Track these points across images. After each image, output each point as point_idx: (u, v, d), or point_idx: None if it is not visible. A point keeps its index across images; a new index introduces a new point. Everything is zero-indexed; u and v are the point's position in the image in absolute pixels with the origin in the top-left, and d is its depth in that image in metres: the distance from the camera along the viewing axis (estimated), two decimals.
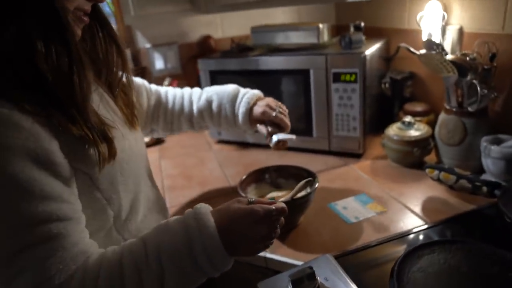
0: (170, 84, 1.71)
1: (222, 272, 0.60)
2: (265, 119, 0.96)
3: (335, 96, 1.25)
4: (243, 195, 0.91)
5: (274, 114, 0.95)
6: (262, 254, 0.86)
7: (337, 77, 1.23)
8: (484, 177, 1.02)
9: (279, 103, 1.00)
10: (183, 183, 1.27)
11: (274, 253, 0.86)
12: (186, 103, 1.02)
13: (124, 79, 0.79)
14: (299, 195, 0.87)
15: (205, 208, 0.61)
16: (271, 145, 0.94)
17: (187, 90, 1.06)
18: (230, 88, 1.02)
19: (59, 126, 0.55)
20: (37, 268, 0.52)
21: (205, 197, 1.17)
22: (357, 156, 1.30)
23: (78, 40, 0.61)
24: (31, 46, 0.53)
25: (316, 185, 0.91)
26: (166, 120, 1.03)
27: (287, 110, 1.00)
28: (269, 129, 0.95)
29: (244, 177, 1.00)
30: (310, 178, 0.90)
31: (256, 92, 1.01)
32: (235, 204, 0.62)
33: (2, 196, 0.50)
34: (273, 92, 1.36)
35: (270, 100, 0.99)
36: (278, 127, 0.96)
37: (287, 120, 0.96)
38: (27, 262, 0.51)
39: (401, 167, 1.20)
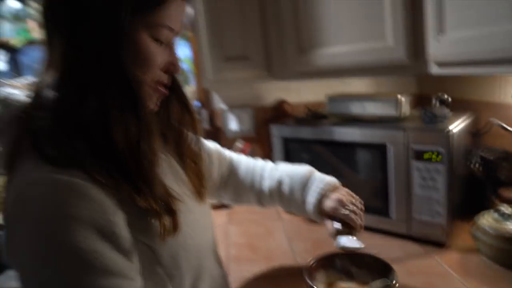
0: (242, 147, 1.71)
1: None
2: (335, 216, 0.88)
3: (416, 176, 1.13)
4: (310, 283, 0.82)
5: (345, 212, 0.86)
6: None
7: (419, 155, 1.11)
8: None
9: (354, 198, 0.92)
10: (248, 255, 1.21)
11: None
12: (257, 179, 0.99)
13: (195, 148, 0.78)
14: None
15: None
16: (335, 246, 0.85)
17: (260, 163, 1.03)
18: (303, 171, 0.97)
19: (127, 197, 0.54)
20: None
21: (270, 275, 1.09)
22: (440, 245, 1.13)
23: (154, 108, 0.63)
24: (108, 116, 0.54)
25: (396, 286, 0.78)
26: (235, 192, 1.01)
27: (362, 206, 0.91)
28: (337, 226, 0.86)
29: (312, 262, 0.90)
30: (388, 283, 0.78)
31: (330, 181, 0.95)
32: None
33: (63, 266, 0.49)
34: (347, 164, 1.29)
35: (344, 193, 0.92)
36: (348, 226, 0.87)
37: (359, 221, 0.87)
38: None
39: (500, 269, 0.99)
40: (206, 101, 1.84)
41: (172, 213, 0.60)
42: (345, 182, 1.29)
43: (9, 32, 1.90)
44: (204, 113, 1.82)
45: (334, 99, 1.42)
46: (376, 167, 1.21)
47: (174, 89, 0.71)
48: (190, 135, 0.76)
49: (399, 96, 1.27)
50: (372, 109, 1.32)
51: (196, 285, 0.69)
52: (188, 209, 0.67)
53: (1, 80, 0.63)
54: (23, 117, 0.55)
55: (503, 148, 1.28)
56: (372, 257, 0.88)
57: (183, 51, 1.83)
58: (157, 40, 0.59)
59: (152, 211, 0.57)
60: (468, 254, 1.08)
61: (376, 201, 1.23)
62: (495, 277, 0.97)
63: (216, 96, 1.83)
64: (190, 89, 1.85)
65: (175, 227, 0.60)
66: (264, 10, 1.40)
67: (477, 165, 1.24)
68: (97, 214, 0.51)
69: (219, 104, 1.83)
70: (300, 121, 1.46)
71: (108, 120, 0.54)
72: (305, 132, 1.38)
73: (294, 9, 1.30)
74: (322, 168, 1.36)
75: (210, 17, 1.41)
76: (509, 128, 1.13)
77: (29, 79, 0.63)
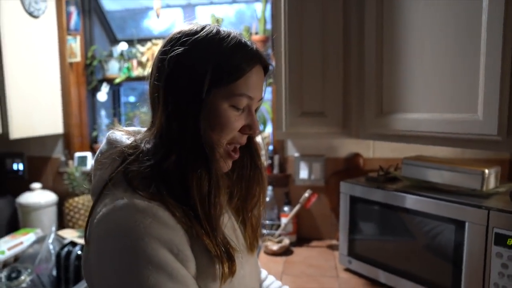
0: (309, 197, 1.70)
1: None
2: None
3: (495, 262, 1.02)
4: None
5: None
6: None
7: (501, 240, 1.01)
8: None
9: None
10: None
11: None
12: None
13: (257, 204, 0.82)
14: None
15: None
16: None
17: None
18: None
19: (197, 235, 0.63)
20: None
21: None
22: None
23: (226, 170, 0.72)
24: (185, 170, 0.64)
25: None
26: None
27: None
28: None
29: None
30: None
31: None
32: None
33: (139, 272, 0.57)
34: (416, 235, 1.22)
35: None
36: None
37: None
38: None
39: None
40: (279, 146, 1.88)
41: (231, 259, 0.67)
42: (412, 253, 1.23)
43: (115, 70, 2.18)
44: (276, 159, 1.86)
45: (410, 162, 1.36)
46: (449, 244, 1.12)
47: (249, 148, 0.78)
48: (257, 191, 0.81)
49: (486, 170, 1.17)
50: (452, 179, 1.23)
51: None
52: (239, 261, 0.71)
53: (116, 127, 0.77)
54: (124, 158, 0.67)
55: None
56: None
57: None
58: (235, 107, 0.67)
59: (215, 255, 0.64)
60: None
61: (446, 279, 1.13)
62: None
63: (290, 143, 1.86)
64: (265, 134, 1.91)
65: (232, 272, 0.67)
66: (347, 70, 1.42)
67: None
68: (172, 238, 0.60)
69: (292, 151, 1.86)
70: (371, 181, 1.42)
71: (185, 173, 0.64)
72: (375, 194, 1.34)
73: (378, 73, 1.30)
74: (389, 234, 1.32)
75: (292, 71, 1.46)
76: None
77: (135, 128, 0.77)
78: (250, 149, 0.78)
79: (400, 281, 1.27)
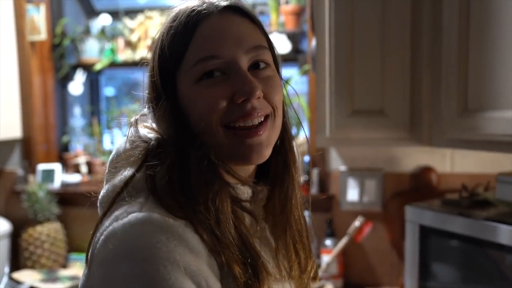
0: (361, 226, 1.70)
1: None
2: None
3: None
4: None
5: None
6: None
7: None
8: None
9: None
10: None
11: None
12: None
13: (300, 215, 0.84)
14: None
15: None
16: None
17: None
18: None
19: (226, 260, 0.65)
20: None
21: None
22: None
23: None
24: (190, 172, 0.68)
25: None
26: None
27: None
28: None
29: None
30: None
31: None
32: None
33: None
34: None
35: None
36: None
37: None
38: None
39: None
40: (320, 157, 1.89)
41: (259, 279, 0.68)
42: None
43: (95, 52, 2.21)
44: (315, 174, 1.87)
45: (508, 179, 1.35)
46: None
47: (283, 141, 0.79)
48: (298, 200, 0.82)
49: None
50: None
51: None
52: None
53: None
54: (145, 159, 0.70)
55: None
56: None
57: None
58: (200, 80, 0.69)
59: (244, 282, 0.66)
60: None
61: None
62: None
63: (334, 153, 1.86)
64: (300, 140, 1.92)
65: None
66: (417, 52, 1.43)
67: None
68: (200, 268, 0.62)
69: (337, 163, 1.86)
70: (451, 205, 1.41)
71: (191, 177, 0.68)
72: (456, 224, 1.33)
73: (462, 59, 1.31)
74: (477, 274, 1.31)
75: (340, 56, 1.48)
76: None
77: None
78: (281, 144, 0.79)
79: None
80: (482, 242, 1.27)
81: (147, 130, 0.76)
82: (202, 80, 0.68)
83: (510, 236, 1.21)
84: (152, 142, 0.72)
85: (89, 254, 0.67)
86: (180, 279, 0.59)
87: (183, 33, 0.70)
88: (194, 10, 0.71)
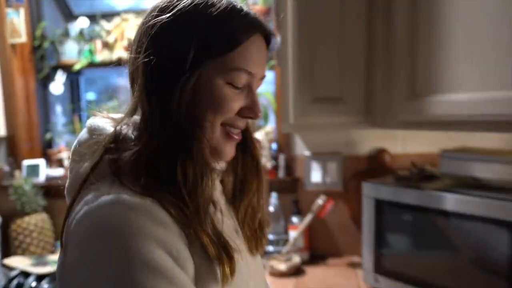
0: (324, 204, 1.75)
1: None
2: None
3: None
4: None
5: None
6: None
7: None
8: None
9: None
10: None
11: None
12: None
13: (257, 200, 0.87)
14: None
15: None
16: None
17: None
18: None
19: (195, 234, 0.68)
20: None
21: None
22: None
23: (229, 157, 0.77)
24: (171, 156, 0.68)
25: None
26: None
27: None
28: None
29: None
30: None
31: None
32: None
33: (131, 273, 0.60)
34: (460, 246, 1.27)
35: None
36: None
37: None
38: None
39: None
40: (285, 144, 1.92)
41: (231, 258, 0.71)
42: (455, 267, 1.28)
43: (74, 54, 2.19)
44: (282, 159, 1.90)
45: (451, 155, 1.41)
46: (503, 254, 1.17)
47: (244, 136, 0.82)
48: (254, 185, 0.86)
49: None
50: (503, 173, 1.29)
51: None
52: (244, 265, 0.77)
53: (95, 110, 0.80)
54: (107, 146, 0.70)
55: None
56: None
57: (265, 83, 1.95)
58: (233, 84, 0.71)
59: (214, 255, 0.69)
60: None
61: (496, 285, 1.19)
62: None
63: (298, 140, 1.90)
64: (267, 130, 1.95)
65: (232, 272, 0.71)
66: (371, 43, 1.48)
67: None
68: (170, 239, 0.64)
69: (301, 149, 1.90)
70: (402, 180, 1.47)
71: (172, 160, 0.68)
72: (407, 196, 1.39)
73: (412, 48, 1.36)
74: (426, 242, 1.36)
75: (302, 49, 1.51)
76: None
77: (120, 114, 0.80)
78: (245, 136, 0.82)
79: None
80: (430, 210, 1.33)
81: (106, 120, 0.77)
82: (230, 84, 0.71)
83: (454, 204, 1.27)
84: (114, 131, 0.73)
85: (63, 239, 0.68)
86: (151, 249, 0.61)
87: (242, 28, 0.71)
88: (249, 13, 0.73)
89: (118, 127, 0.73)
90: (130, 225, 0.61)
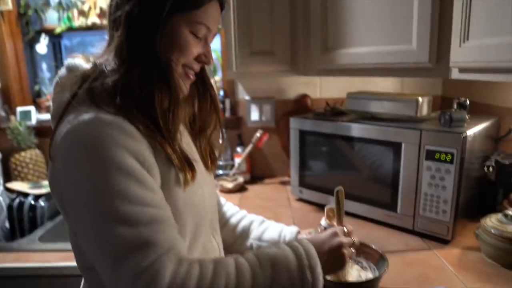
0: (261, 136, 1.80)
1: None
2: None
3: (426, 174, 1.19)
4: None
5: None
6: None
7: (430, 155, 1.17)
8: None
9: None
10: None
11: None
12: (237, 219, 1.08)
13: (213, 132, 0.91)
14: (366, 277, 0.83)
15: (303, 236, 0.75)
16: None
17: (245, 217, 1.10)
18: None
19: (160, 146, 0.70)
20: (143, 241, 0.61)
21: None
22: (444, 241, 1.19)
23: (185, 93, 0.78)
24: (147, 85, 0.70)
25: (385, 270, 0.86)
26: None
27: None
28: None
29: None
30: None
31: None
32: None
33: (107, 175, 0.62)
34: (361, 159, 1.36)
35: None
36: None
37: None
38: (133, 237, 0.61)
39: (497, 266, 1.06)
40: (230, 91, 1.94)
41: (192, 167, 0.76)
42: (358, 176, 1.38)
43: (55, 20, 2.09)
44: (228, 103, 1.92)
45: (353, 96, 1.49)
46: (389, 163, 1.28)
47: (202, 79, 0.86)
48: (213, 122, 0.90)
49: (419, 98, 1.32)
50: (391, 108, 1.37)
51: (189, 251, 0.78)
52: (197, 182, 0.79)
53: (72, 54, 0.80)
54: (84, 78, 0.71)
55: None
56: (368, 247, 0.96)
57: (213, 43, 1.93)
58: (194, 34, 0.74)
59: (177, 163, 0.72)
60: (469, 252, 1.14)
61: (386, 195, 1.30)
62: (490, 274, 1.03)
63: (240, 87, 1.92)
64: (216, 79, 1.95)
65: (193, 178, 0.75)
66: (294, 8, 1.48)
67: (491, 169, 1.29)
68: (138, 148, 0.66)
69: (243, 94, 1.92)
70: (319, 116, 1.53)
71: (148, 88, 0.70)
72: (323, 127, 1.46)
73: (323, 9, 1.38)
74: (337, 161, 1.45)
75: (241, 12, 1.50)
76: None
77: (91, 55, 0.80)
78: (203, 82, 0.87)
79: (347, 203, 1.40)
80: (340, 137, 1.41)
81: (83, 60, 0.78)
82: (193, 33, 0.74)
83: (357, 131, 1.35)
84: (93, 64, 0.74)
85: (51, 153, 0.69)
86: (123, 156, 0.63)
87: None
88: None
89: (96, 61, 0.74)
90: (105, 137, 0.63)
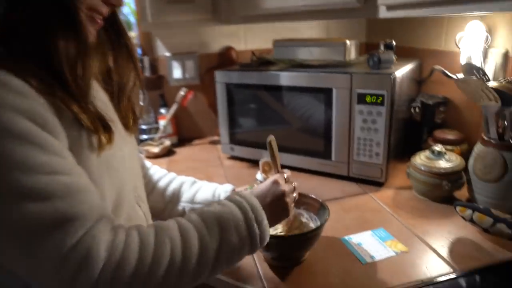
0: (186, 94, 1.67)
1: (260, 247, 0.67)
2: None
3: (358, 119, 1.16)
4: None
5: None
6: None
7: (361, 98, 1.14)
8: None
9: None
10: None
11: None
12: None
13: (132, 87, 0.77)
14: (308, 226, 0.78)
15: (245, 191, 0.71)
16: None
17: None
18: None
19: (64, 105, 0.56)
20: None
21: None
22: (378, 184, 1.20)
23: (92, 39, 0.63)
24: (45, 28, 0.55)
25: (327, 217, 0.82)
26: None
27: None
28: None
29: None
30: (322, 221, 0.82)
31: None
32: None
33: (4, 148, 0.48)
34: (292, 109, 1.30)
35: None
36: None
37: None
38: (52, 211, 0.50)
39: (427, 201, 1.09)
40: (148, 48, 1.75)
41: (108, 128, 0.62)
42: (290, 127, 1.32)
43: None
44: (146, 61, 1.74)
45: (280, 44, 1.41)
46: (320, 111, 1.23)
47: (115, 26, 0.72)
48: (132, 76, 0.76)
49: (347, 41, 1.28)
50: (319, 54, 1.32)
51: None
52: (116, 144, 0.66)
53: None
54: None
55: (442, 95, 1.35)
56: (307, 197, 0.91)
57: None
58: None
59: (88, 125, 0.59)
60: (402, 191, 1.17)
61: (320, 144, 1.26)
62: (422, 209, 1.06)
63: (159, 43, 1.74)
64: (132, 35, 1.74)
65: (109, 140, 0.63)
66: None
67: (417, 109, 1.30)
68: (32, 107, 0.51)
69: (162, 51, 1.75)
70: (245, 67, 1.44)
71: (46, 31, 0.55)
72: (250, 78, 1.36)
73: None
74: (267, 114, 1.38)
75: None
76: (451, 75, 1.18)
77: None
78: (116, 29, 0.73)
79: (281, 155, 1.36)
80: (269, 87, 1.32)
81: None
82: None
83: (286, 79, 1.28)
84: None
85: None
86: (13, 118, 0.49)
87: None
88: None
89: None
90: None
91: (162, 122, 1.70)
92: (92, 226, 0.51)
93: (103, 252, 0.50)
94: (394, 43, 1.26)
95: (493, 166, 0.98)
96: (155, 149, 1.61)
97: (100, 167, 0.62)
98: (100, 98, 0.69)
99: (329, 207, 0.86)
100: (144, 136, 1.73)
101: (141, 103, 1.70)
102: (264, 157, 0.97)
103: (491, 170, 0.99)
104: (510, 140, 0.96)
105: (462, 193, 1.10)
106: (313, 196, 0.90)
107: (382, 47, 1.28)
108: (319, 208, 0.88)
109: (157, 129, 1.72)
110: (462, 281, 0.77)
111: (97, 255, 0.49)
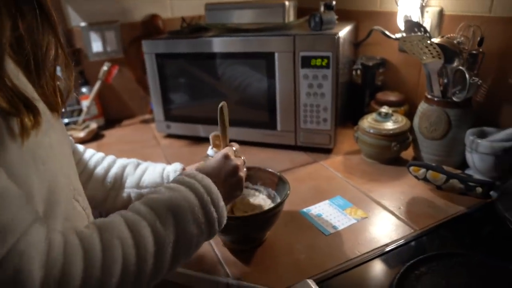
0: (109, 69, 1.49)
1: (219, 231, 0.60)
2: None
3: (303, 84, 1.10)
4: None
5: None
6: (224, 281, 0.69)
7: (306, 62, 1.07)
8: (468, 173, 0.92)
9: None
10: None
11: (239, 279, 0.69)
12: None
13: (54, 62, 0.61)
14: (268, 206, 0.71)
15: (192, 170, 0.62)
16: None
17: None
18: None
19: None
20: None
21: None
22: (327, 151, 1.16)
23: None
24: None
25: (288, 192, 0.75)
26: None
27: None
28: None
29: None
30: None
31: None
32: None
33: None
34: (231, 80, 1.20)
35: None
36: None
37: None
38: None
39: (376, 164, 1.08)
40: (60, 16, 1.51)
41: (33, 108, 0.49)
42: (231, 98, 1.22)
43: None
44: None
45: (212, 8, 1.29)
46: (262, 79, 1.15)
47: None
48: (52, 45, 0.59)
49: (285, 2, 1.20)
50: (256, 17, 1.23)
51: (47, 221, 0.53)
52: (43, 129, 0.52)
53: None
54: None
55: (381, 56, 1.34)
56: (265, 171, 0.84)
57: None
58: None
59: (5, 106, 0.45)
60: (351, 156, 1.14)
61: (263, 115, 1.18)
62: (373, 172, 1.05)
63: (71, 11, 1.51)
64: None
65: (35, 125, 0.49)
66: None
67: (358, 72, 1.28)
68: None
69: (76, 21, 1.53)
70: (176, 34, 1.30)
71: None
72: (182, 46, 1.23)
73: None
74: (203, 87, 1.27)
75: None
76: (391, 34, 1.16)
77: None
78: None
79: None
80: (204, 55, 1.20)
81: None
82: None
83: (222, 45, 1.17)
84: None
85: None
86: None
87: None
88: None
89: None
90: None
91: (85, 103, 1.50)
92: (17, 241, 0.39)
93: (37, 271, 0.39)
94: (334, 2, 1.21)
95: (438, 124, 0.98)
96: (80, 134, 1.43)
97: (24, 160, 0.48)
98: (15, 75, 0.54)
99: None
100: (65, 120, 1.52)
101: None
102: (214, 131, 0.87)
103: (436, 128, 0.99)
104: (452, 97, 0.97)
105: (407, 153, 1.10)
106: (270, 170, 0.83)
107: (322, 8, 1.22)
108: (277, 182, 0.81)
109: (80, 111, 1.52)
110: (424, 240, 0.76)
111: (29, 276, 0.38)
